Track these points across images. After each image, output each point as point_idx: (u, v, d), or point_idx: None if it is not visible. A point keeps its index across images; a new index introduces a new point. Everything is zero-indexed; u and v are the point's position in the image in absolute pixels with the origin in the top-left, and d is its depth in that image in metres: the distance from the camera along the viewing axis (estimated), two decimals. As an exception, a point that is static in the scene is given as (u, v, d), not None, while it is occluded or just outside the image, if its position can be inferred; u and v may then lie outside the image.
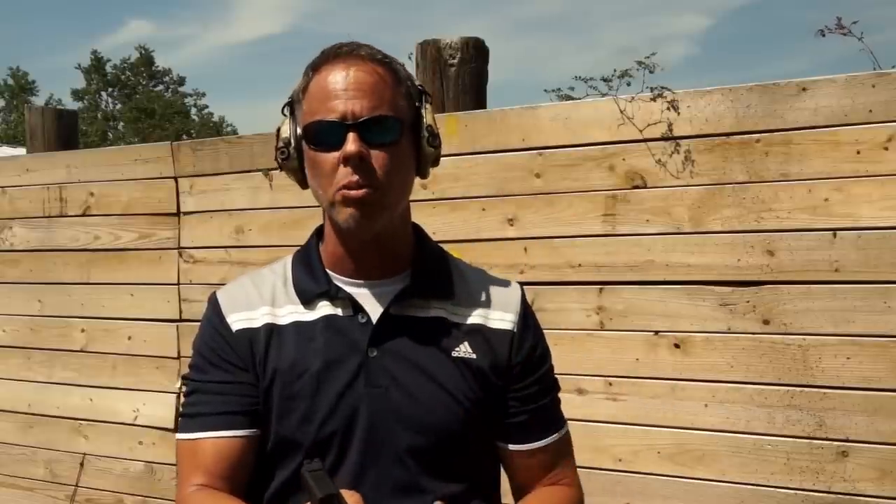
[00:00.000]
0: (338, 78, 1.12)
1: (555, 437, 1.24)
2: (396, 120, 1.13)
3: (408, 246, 1.23)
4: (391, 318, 1.17)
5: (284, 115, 1.19)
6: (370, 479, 1.12)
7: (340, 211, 1.11)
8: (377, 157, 1.10)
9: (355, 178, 1.09)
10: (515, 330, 1.21)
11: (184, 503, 1.14)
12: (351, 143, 1.09)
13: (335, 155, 1.10)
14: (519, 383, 1.21)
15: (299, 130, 1.16)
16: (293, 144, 1.17)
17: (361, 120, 1.10)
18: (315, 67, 1.15)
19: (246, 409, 1.16)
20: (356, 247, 1.18)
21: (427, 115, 1.18)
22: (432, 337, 1.17)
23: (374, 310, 1.17)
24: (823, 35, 2.63)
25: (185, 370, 1.22)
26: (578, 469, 1.30)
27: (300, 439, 1.14)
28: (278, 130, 1.19)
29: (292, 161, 1.17)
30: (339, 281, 1.20)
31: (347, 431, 1.13)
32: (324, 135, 1.11)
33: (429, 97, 1.20)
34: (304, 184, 1.20)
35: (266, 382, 1.16)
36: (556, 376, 1.30)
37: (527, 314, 1.25)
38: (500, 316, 1.22)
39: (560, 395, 1.29)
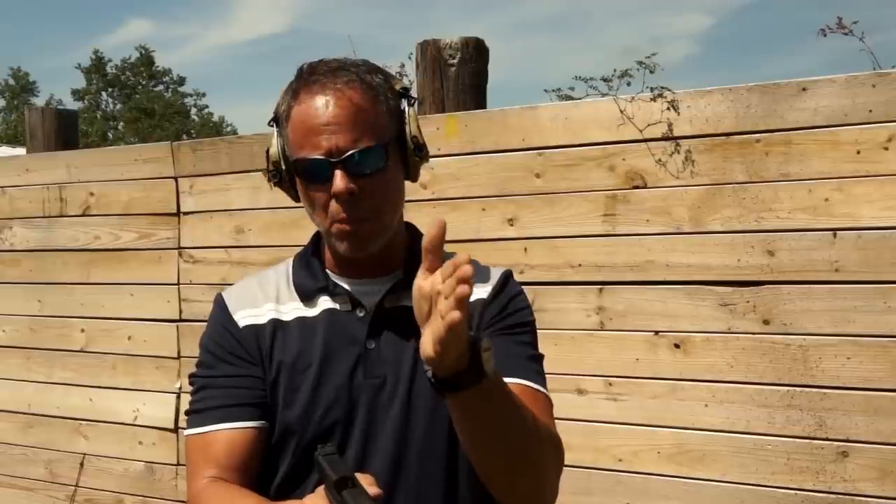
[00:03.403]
0: (318, 111, 1.14)
1: (514, 380, 1.14)
2: (380, 147, 1.15)
3: (401, 244, 1.27)
4: (385, 311, 1.21)
5: (271, 127, 1.23)
6: (371, 466, 1.15)
7: (337, 242, 1.18)
8: (366, 187, 1.14)
9: (345, 214, 1.15)
10: (487, 296, 1.23)
11: (197, 497, 1.16)
12: (339, 181, 1.13)
13: (324, 191, 1.15)
14: (485, 330, 1.21)
15: (287, 150, 1.20)
16: (282, 164, 1.21)
17: (346, 155, 1.13)
18: (295, 94, 1.17)
19: (254, 402, 1.19)
20: (354, 257, 1.22)
21: (411, 123, 1.20)
22: None
23: (371, 304, 1.22)
24: (825, 34, 2.62)
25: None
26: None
27: (303, 430, 1.17)
28: (267, 151, 1.22)
29: (284, 182, 1.22)
30: (337, 278, 1.25)
31: (348, 422, 1.17)
32: (312, 172, 1.16)
33: (411, 99, 1.22)
34: (297, 199, 1.25)
35: (272, 375, 1.20)
36: (542, 357, 1.26)
37: (505, 286, 1.25)
38: (479, 290, 1.23)
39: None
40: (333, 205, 1.15)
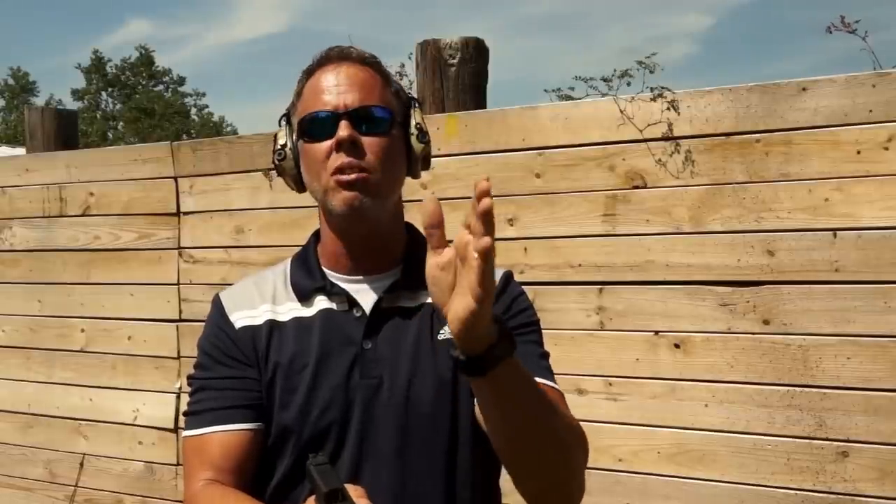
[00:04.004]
0: (330, 76, 1.19)
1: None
2: (386, 111, 1.19)
3: (400, 243, 1.26)
4: (382, 311, 1.20)
5: (281, 126, 1.25)
6: (368, 467, 1.15)
7: (334, 196, 1.16)
8: (368, 144, 1.16)
9: (348, 159, 1.14)
10: None
11: (193, 499, 1.16)
12: (343, 129, 1.15)
13: (328, 143, 1.16)
14: None
15: (295, 136, 1.22)
16: (289, 146, 1.23)
17: (353, 109, 1.16)
18: (309, 73, 1.22)
19: (250, 404, 1.19)
20: (350, 242, 1.22)
21: (416, 115, 1.23)
22: (420, 324, 1.21)
23: (368, 304, 1.21)
24: (830, 32, 2.63)
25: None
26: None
27: (299, 430, 1.17)
28: (275, 136, 1.25)
29: (289, 161, 1.23)
30: (335, 277, 1.24)
31: (344, 422, 1.16)
32: (317, 126, 1.17)
33: (417, 102, 1.26)
34: (300, 187, 1.26)
35: (268, 377, 1.19)
36: (549, 355, 1.26)
37: (506, 288, 1.25)
38: None
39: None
40: (335, 155, 1.15)
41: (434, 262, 0.93)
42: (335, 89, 1.17)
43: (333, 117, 1.15)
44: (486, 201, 0.85)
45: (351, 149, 1.14)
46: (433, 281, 0.94)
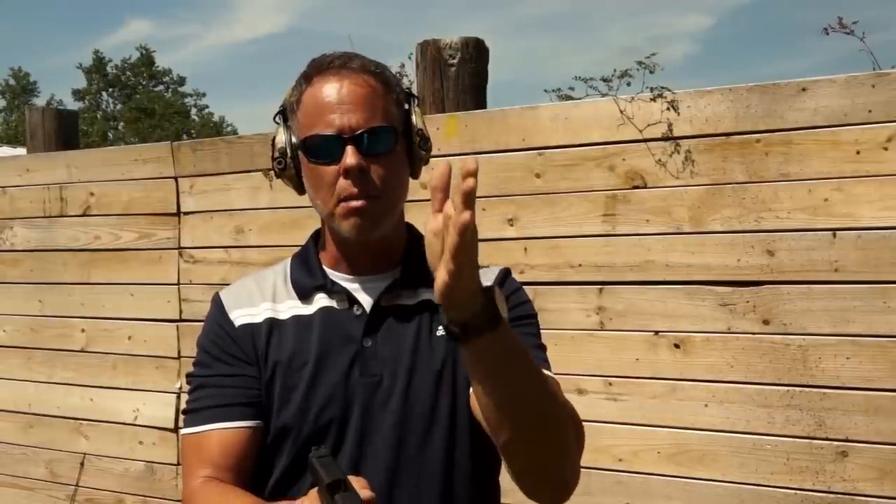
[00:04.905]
0: (331, 91, 1.16)
1: None
2: (391, 129, 1.17)
3: (400, 243, 1.27)
4: (382, 309, 1.21)
5: (277, 123, 1.24)
6: (367, 464, 1.16)
7: (342, 222, 1.16)
8: (375, 167, 1.15)
9: (355, 189, 1.14)
10: None
11: (192, 496, 1.16)
12: (350, 157, 1.13)
13: (334, 168, 1.15)
14: None
15: (294, 139, 1.20)
16: (289, 153, 1.21)
17: (358, 133, 1.14)
18: (308, 79, 1.19)
19: (249, 401, 1.19)
20: (353, 249, 1.22)
21: (417, 118, 1.22)
22: (419, 321, 1.21)
23: (368, 302, 1.22)
24: (827, 33, 2.64)
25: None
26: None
27: (298, 428, 1.17)
28: (273, 140, 1.24)
29: (289, 170, 1.22)
30: (335, 276, 1.24)
31: (343, 420, 1.17)
32: (322, 148, 1.16)
33: (416, 99, 1.25)
34: (300, 190, 1.25)
35: (268, 374, 1.20)
36: (546, 349, 1.26)
37: (503, 282, 1.25)
38: None
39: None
40: (342, 182, 1.14)
41: (430, 227, 0.95)
42: (338, 108, 1.15)
43: (339, 141, 1.14)
44: (469, 181, 0.86)
45: (358, 176, 1.14)
46: (428, 245, 0.95)
